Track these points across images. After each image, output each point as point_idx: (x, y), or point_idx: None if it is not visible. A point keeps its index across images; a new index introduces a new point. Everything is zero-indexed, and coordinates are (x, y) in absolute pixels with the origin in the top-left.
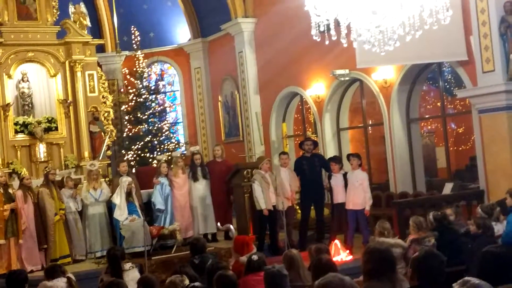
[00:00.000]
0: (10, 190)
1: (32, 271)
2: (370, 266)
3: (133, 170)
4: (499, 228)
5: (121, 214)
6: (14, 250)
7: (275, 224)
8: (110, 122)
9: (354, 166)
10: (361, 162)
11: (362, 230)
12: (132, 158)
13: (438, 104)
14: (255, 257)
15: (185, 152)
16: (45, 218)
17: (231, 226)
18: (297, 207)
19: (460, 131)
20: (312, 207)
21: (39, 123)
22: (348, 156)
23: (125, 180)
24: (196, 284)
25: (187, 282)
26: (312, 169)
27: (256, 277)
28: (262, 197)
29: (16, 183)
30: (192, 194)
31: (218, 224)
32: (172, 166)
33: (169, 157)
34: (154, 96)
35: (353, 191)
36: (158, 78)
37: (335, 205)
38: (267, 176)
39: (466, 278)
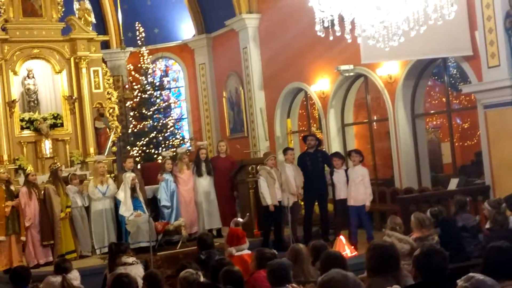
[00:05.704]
0: (12, 187)
1: (37, 266)
2: (374, 262)
3: (138, 166)
4: None
5: (126, 210)
6: (16, 247)
7: (280, 220)
8: (115, 118)
9: (356, 163)
10: (363, 158)
11: (365, 226)
12: (137, 154)
13: (443, 99)
14: (268, 252)
15: (190, 147)
16: (52, 215)
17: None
18: (302, 203)
19: (466, 127)
20: (316, 203)
21: (44, 119)
22: (350, 152)
23: (129, 176)
24: (202, 280)
25: (201, 278)
26: (315, 164)
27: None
28: (268, 192)
29: (22, 179)
30: (197, 189)
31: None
32: (177, 162)
33: (174, 153)
34: (159, 92)
35: (354, 188)
36: (162, 74)
37: (338, 201)
38: (273, 172)
39: (471, 274)
